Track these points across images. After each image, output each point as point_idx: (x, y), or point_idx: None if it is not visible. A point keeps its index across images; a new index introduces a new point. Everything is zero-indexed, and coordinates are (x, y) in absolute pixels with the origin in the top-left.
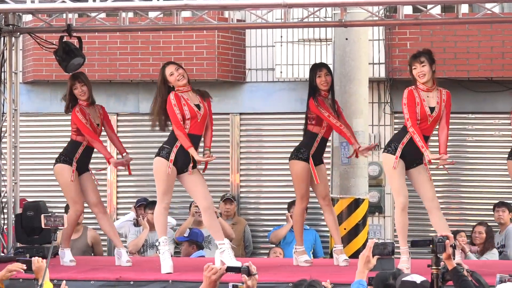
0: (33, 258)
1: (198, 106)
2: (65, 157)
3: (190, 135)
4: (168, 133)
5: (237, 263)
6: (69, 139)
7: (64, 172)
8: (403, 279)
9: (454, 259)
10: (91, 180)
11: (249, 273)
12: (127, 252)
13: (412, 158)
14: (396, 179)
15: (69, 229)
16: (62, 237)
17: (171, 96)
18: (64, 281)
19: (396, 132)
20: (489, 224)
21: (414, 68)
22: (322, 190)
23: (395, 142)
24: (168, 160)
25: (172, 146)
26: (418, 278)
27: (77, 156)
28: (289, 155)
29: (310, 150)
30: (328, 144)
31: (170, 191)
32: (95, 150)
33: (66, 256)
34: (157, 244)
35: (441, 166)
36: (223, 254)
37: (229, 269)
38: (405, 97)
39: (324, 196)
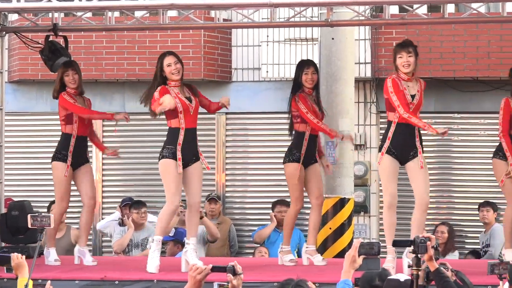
0: (12, 254)
1: (189, 99)
2: (59, 154)
3: (186, 129)
4: (157, 131)
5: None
6: (56, 138)
7: (58, 169)
8: (388, 277)
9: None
10: (90, 172)
11: (234, 273)
12: (90, 252)
13: (405, 151)
14: (383, 176)
15: (53, 228)
16: (46, 236)
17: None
18: (49, 281)
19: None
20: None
21: (400, 57)
22: (316, 190)
23: (382, 142)
24: (176, 160)
25: (175, 145)
26: (402, 277)
27: (70, 149)
28: (274, 155)
29: (301, 150)
30: None
31: (180, 190)
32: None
33: (51, 256)
34: (151, 241)
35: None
36: (186, 254)
37: (215, 268)
38: (390, 86)
39: (318, 196)
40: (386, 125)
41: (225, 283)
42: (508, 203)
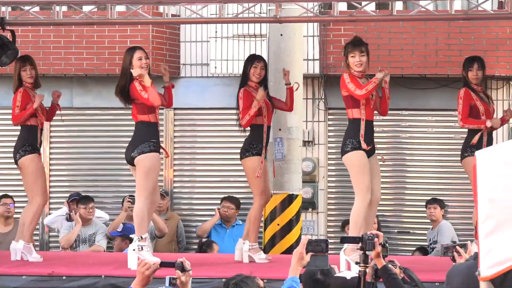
0: None
1: None
2: (29, 146)
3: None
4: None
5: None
6: (6, 132)
7: (34, 160)
8: (335, 275)
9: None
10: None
11: (183, 269)
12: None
13: (370, 147)
14: (363, 174)
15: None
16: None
17: (136, 83)
18: None
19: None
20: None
21: (352, 56)
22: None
23: (352, 139)
24: (159, 153)
25: (157, 139)
26: (348, 274)
27: (38, 141)
28: (223, 151)
29: (262, 143)
30: None
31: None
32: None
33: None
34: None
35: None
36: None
37: (163, 264)
38: (346, 78)
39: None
40: (335, 122)
41: (176, 277)
42: None
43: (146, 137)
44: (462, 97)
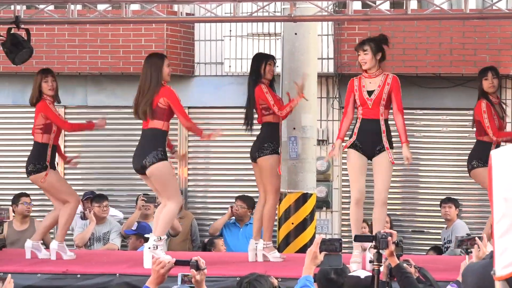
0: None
1: None
2: (36, 165)
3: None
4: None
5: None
6: (18, 131)
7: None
8: (348, 274)
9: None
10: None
11: (197, 268)
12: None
13: (370, 146)
14: (351, 172)
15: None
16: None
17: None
18: (10, 275)
19: None
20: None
21: (358, 55)
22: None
23: (349, 137)
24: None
25: (164, 147)
26: (362, 273)
27: (48, 159)
28: (237, 150)
29: (278, 140)
30: None
31: None
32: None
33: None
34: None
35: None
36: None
37: (178, 262)
38: (349, 86)
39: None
40: None
41: (189, 274)
42: None
43: (157, 146)
44: (485, 110)
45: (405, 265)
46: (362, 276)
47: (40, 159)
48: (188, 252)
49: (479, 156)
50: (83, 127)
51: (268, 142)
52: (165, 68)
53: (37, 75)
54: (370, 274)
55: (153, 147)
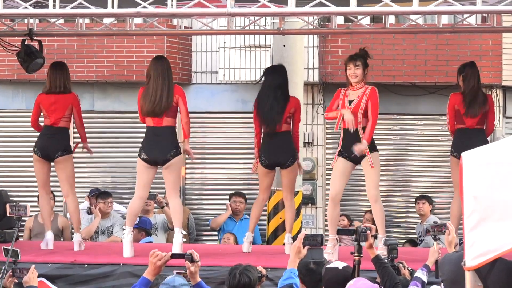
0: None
1: None
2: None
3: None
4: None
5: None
6: (31, 133)
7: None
8: (326, 266)
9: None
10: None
11: (192, 260)
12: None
13: (353, 152)
14: (333, 175)
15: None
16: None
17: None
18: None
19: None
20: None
21: (349, 69)
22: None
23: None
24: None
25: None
26: (340, 264)
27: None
28: (230, 151)
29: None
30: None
31: None
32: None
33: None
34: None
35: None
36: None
37: (174, 255)
38: (333, 98)
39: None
40: (332, 125)
41: (183, 271)
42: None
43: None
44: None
45: (381, 255)
46: (340, 267)
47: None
48: (185, 245)
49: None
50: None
51: (295, 150)
52: None
53: (48, 68)
54: (347, 264)
55: (173, 142)
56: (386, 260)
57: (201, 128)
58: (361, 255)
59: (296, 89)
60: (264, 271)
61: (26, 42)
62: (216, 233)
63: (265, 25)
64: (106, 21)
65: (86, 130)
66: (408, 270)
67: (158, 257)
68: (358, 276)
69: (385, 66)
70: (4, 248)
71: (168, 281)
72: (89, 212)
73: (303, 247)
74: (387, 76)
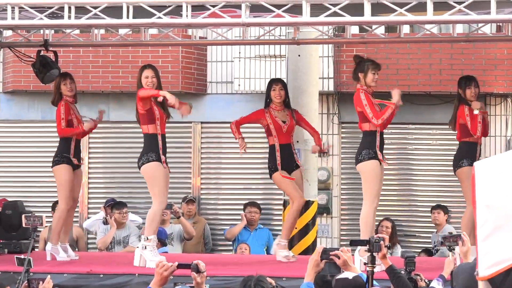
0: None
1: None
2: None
3: (162, 135)
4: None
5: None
6: (46, 144)
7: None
8: (336, 277)
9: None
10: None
11: (198, 271)
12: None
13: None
14: (377, 183)
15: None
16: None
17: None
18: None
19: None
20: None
21: (373, 73)
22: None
23: (368, 149)
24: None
25: (158, 150)
26: (350, 275)
27: (72, 152)
28: (245, 161)
29: (276, 161)
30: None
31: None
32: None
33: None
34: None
35: None
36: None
37: (180, 266)
38: (363, 99)
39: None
40: (347, 135)
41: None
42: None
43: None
44: (468, 114)
45: (394, 265)
46: (350, 277)
47: (64, 152)
48: (190, 255)
49: (468, 156)
50: (74, 131)
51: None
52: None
53: (56, 78)
54: (357, 274)
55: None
56: (400, 271)
57: (216, 138)
58: (375, 265)
59: (311, 99)
60: (273, 282)
61: (42, 53)
62: (231, 243)
63: (280, 35)
64: (121, 31)
65: (102, 140)
66: (425, 282)
67: (164, 267)
68: (372, 286)
69: (400, 75)
70: (16, 257)
71: None
72: (105, 222)
73: (321, 260)
74: (402, 85)
